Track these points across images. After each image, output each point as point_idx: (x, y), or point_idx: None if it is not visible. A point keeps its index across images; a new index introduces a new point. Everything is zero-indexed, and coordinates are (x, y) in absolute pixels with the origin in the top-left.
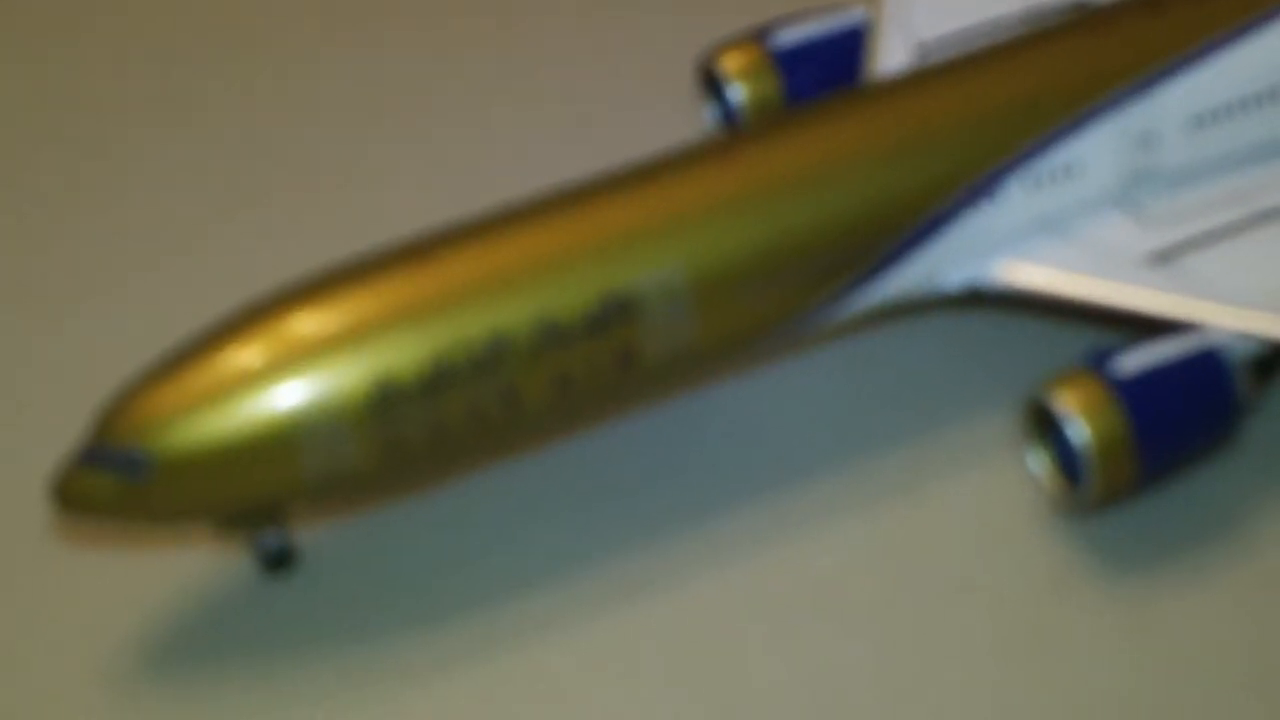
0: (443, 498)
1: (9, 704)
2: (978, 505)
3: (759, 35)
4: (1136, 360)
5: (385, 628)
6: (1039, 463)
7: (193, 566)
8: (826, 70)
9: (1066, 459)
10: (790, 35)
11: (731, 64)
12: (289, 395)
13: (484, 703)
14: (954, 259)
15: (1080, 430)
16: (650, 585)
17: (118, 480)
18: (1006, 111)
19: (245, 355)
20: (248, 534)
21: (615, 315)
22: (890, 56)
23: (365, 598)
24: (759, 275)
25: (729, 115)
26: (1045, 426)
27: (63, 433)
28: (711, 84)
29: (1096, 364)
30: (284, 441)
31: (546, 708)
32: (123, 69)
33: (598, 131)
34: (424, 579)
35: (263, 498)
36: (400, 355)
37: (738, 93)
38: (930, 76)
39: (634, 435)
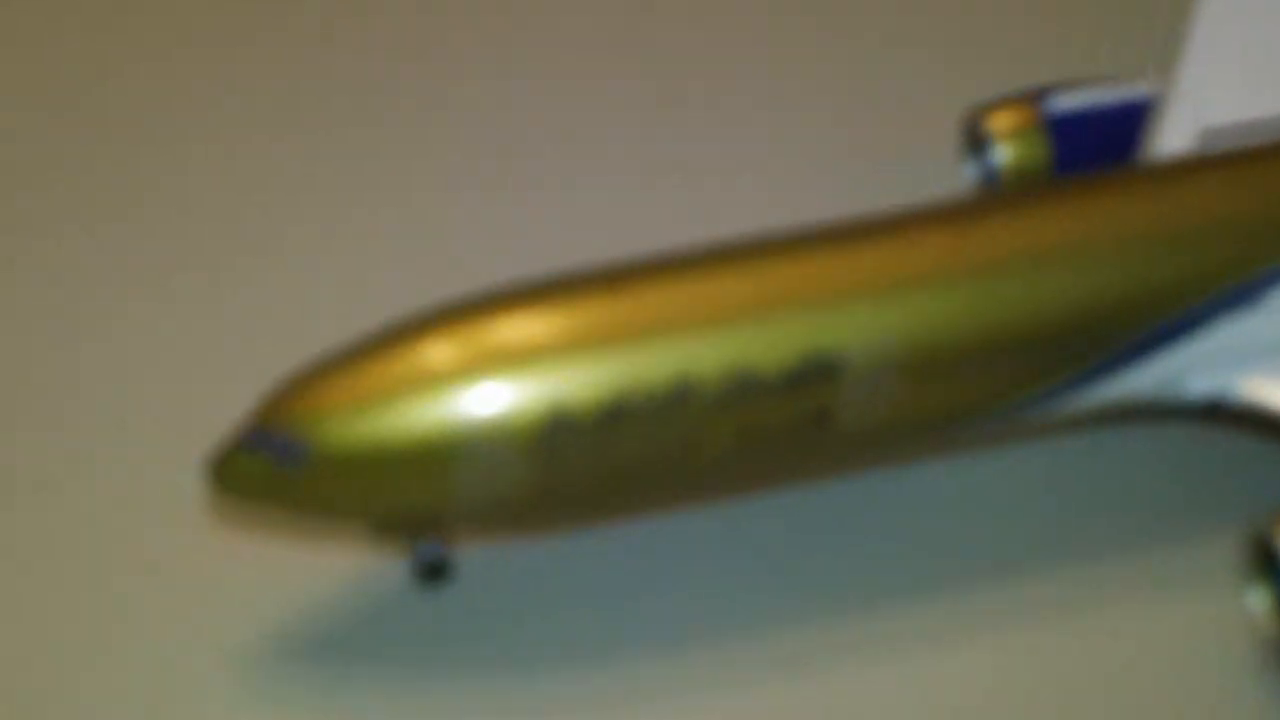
0: (611, 536)
1: (140, 677)
2: (1179, 640)
3: (1035, 97)
4: None
5: (524, 660)
6: (1259, 602)
7: (346, 566)
8: (1101, 143)
9: None
10: (1068, 101)
11: (1000, 123)
12: (454, 410)
13: None
14: (1200, 366)
15: None
16: (800, 665)
17: (272, 466)
18: None
19: (415, 362)
20: (406, 541)
21: (816, 376)
22: (1172, 138)
23: (513, 625)
24: (978, 357)
25: (989, 176)
26: (1269, 564)
27: (231, 414)
28: (976, 141)
29: None
30: (442, 456)
31: None
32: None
33: (845, 173)
34: (576, 616)
35: (414, 508)
36: (579, 385)
37: (1002, 154)
38: (1207, 165)
39: (820, 503)
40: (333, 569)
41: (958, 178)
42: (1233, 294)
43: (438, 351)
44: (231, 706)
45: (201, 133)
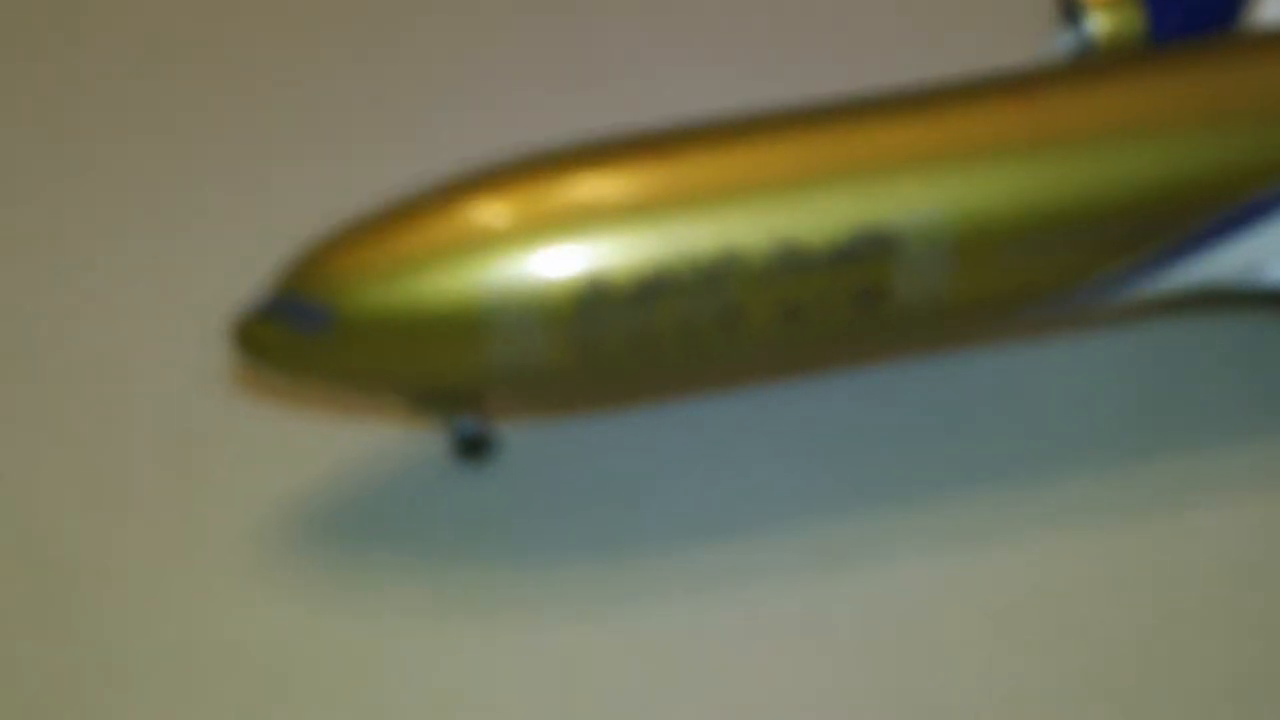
0: (662, 416)
1: (169, 546)
2: (1241, 540)
3: None
4: None
5: (560, 544)
6: None
7: (384, 440)
8: (1198, 14)
9: None
10: None
11: None
12: (485, 277)
13: (634, 647)
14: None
15: None
16: (849, 558)
17: (297, 333)
18: None
19: (443, 227)
20: (444, 416)
21: (866, 251)
22: (1275, 6)
23: (553, 507)
24: (1038, 234)
25: (1084, 47)
26: None
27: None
28: (1070, 10)
29: None
30: (473, 325)
31: (701, 665)
32: None
33: (930, 43)
34: (619, 501)
35: (445, 378)
36: (619, 256)
37: (1096, 23)
38: None
39: (872, 390)
40: (371, 442)
41: (1055, 50)
42: None
43: (466, 217)
44: (259, 577)
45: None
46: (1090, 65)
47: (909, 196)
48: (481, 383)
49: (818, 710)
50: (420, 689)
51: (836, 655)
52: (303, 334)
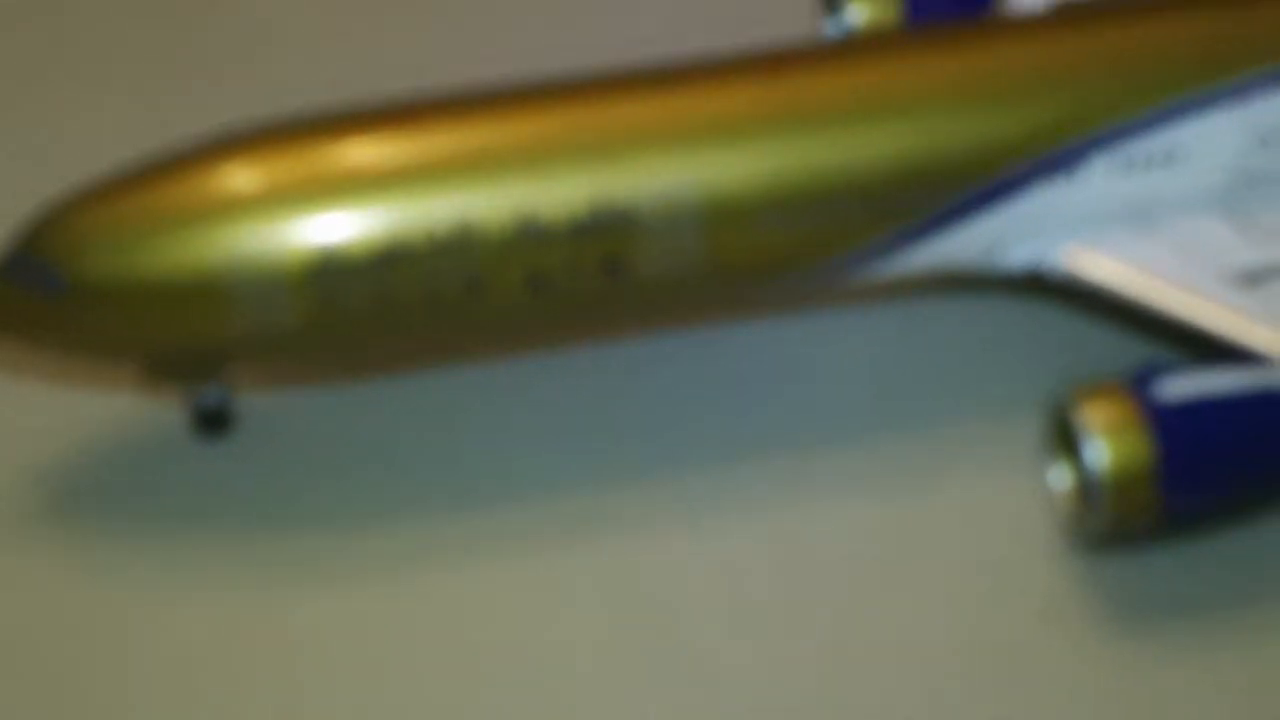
0: (412, 386)
1: None
2: (988, 510)
3: None
4: (1186, 385)
5: (305, 515)
6: (1060, 479)
7: (122, 412)
8: (954, 4)
9: (1087, 480)
10: None
11: None
12: (218, 244)
13: (392, 613)
14: (1018, 234)
15: (1099, 451)
16: (615, 522)
17: (29, 296)
18: (1107, 77)
19: (178, 192)
20: (185, 386)
21: (607, 225)
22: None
23: (296, 478)
24: (784, 211)
25: (847, 36)
26: (1071, 440)
27: None
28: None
29: (1138, 381)
30: (209, 289)
31: (465, 630)
32: None
33: (696, 25)
34: (363, 471)
35: (184, 343)
36: (355, 224)
37: (856, 13)
38: (1034, 24)
39: (640, 360)
40: (105, 414)
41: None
42: (1050, 160)
43: (206, 181)
44: None
45: None
46: (840, 45)
47: (648, 171)
48: (220, 349)
49: (566, 675)
50: (161, 659)
51: (585, 624)
52: (33, 297)
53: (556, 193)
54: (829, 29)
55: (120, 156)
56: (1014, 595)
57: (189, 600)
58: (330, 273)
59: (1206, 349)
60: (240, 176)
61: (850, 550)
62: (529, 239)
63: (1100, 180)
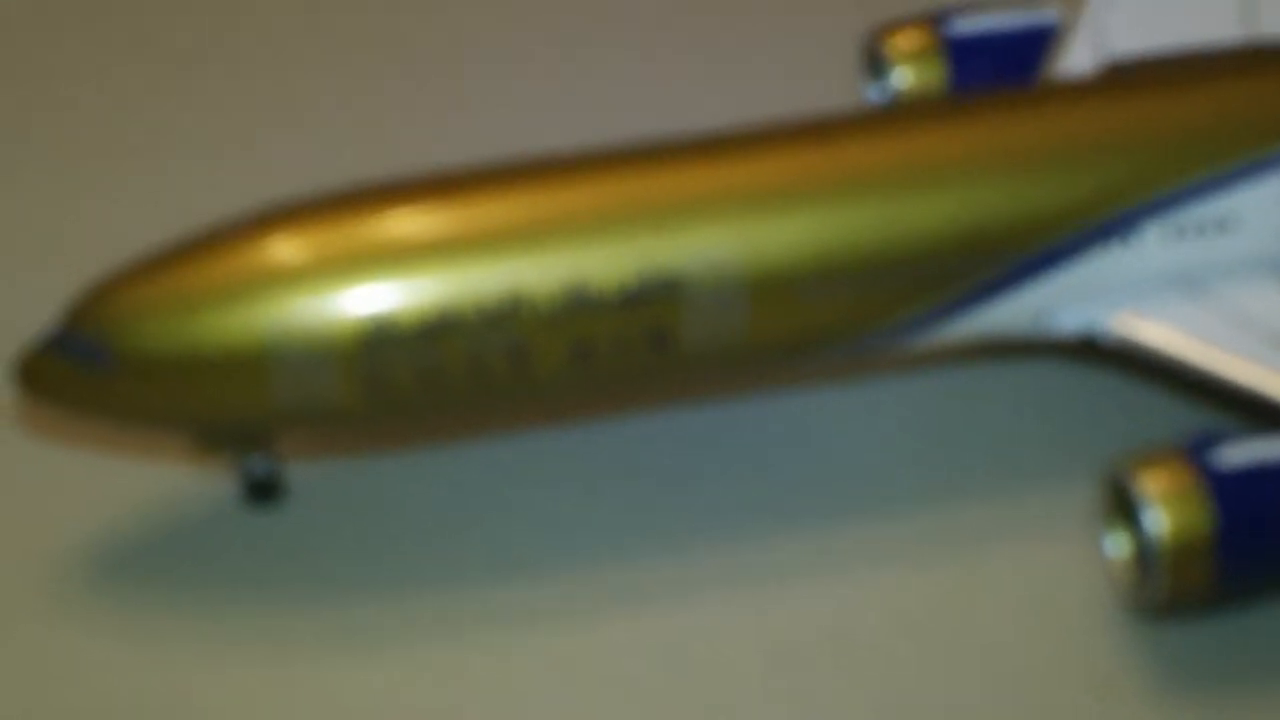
0: (455, 455)
1: None
2: (1038, 580)
3: (935, 19)
4: (1244, 453)
5: (354, 583)
6: (1116, 547)
7: (172, 481)
8: (999, 69)
9: (1144, 549)
10: (969, 24)
11: (900, 45)
12: (265, 317)
13: (426, 684)
14: (1070, 300)
15: (1157, 519)
16: (652, 597)
17: (79, 370)
18: (1160, 144)
19: (226, 266)
20: (233, 456)
21: (655, 295)
22: (1071, 63)
23: (346, 547)
24: (830, 280)
25: (890, 100)
26: (1124, 509)
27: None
28: (876, 64)
29: (1195, 448)
30: (255, 363)
31: (499, 702)
32: None
33: (740, 87)
34: (411, 541)
35: (232, 416)
36: (404, 296)
37: (901, 77)
38: (1085, 90)
39: (674, 430)
40: (159, 483)
41: (864, 102)
42: (1102, 227)
43: (251, 254)
44: (44, 623)
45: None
46: (887, 113)
47: (697, 240)
48: (268, 421)
49: None
50: None
51: (630, 694)
52: (84, 371)
53: (605, 262)
54: (872, 94)
55: (166, 232)
56: (1068, 666)
57: (238, 666)
58: (377, 345)
59: (1261, 415)
60: (285, 250)
61: (899, 621)
62: (578, 308)
63: (1153, 247)
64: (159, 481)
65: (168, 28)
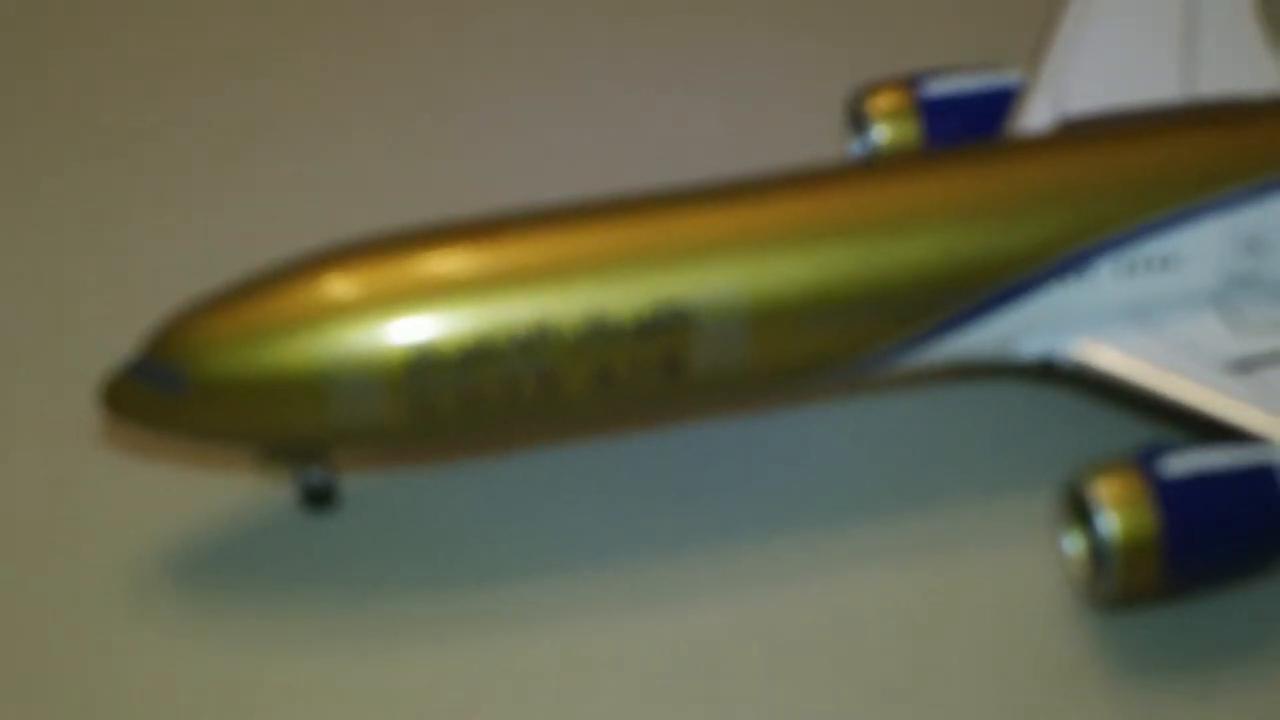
0: (490, 468)
1: (32, 596)
2: (1006, 578)
3: (910, 80)
4: (1187, 462)
5: (399, 583)
6: (1074, 548)
7: (239, 491)
8: (968, 126)
9: (1099, 550)
10: (941, 85)
11: (879, 104)
12: (323, 346)
13: (456, 679)
14: (1032, 329)
15: (1109, 523)
16: (657, 599)
17: (158, 393)
18: (1111, 191)
19: (288, 301)
20: (292, 468)
21: (667, 324)
22: (1031, 120)
23: (395, 550)
24: (824, 314)
25: (871, 154)
26: (1084, 513)
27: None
28: (858, 120)
29: (1144, 458)
30: (314, 388)
31: (518, 698)
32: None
33: (741, 142)
34: (456, 544)
35: (293, 434)
36: (445, 327)
37: (880, 133)
38: (1044, 144)
39: (683, 446)
40: (227, 493)
41: (849, 154)
42: (1061, 264)
43: (310, 291)
44: (118, 627)
45: (96, 70)
46: (871, 165)
47: (705, 276)
48: (325, 440)
49: None
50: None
51: (647, 687)
52: (162, 395)
53: (623, 296)
54: (855, 148)
55: (229, 268)
56: (1031, 655)
57: (294, 658)
58: (421, 371)
59: (1202, 430)
60: (340, 287)
61: (878, 616)
62: (599, 337)
63: (1106, 282)
64: (227, 491)
65: (232, 90)
